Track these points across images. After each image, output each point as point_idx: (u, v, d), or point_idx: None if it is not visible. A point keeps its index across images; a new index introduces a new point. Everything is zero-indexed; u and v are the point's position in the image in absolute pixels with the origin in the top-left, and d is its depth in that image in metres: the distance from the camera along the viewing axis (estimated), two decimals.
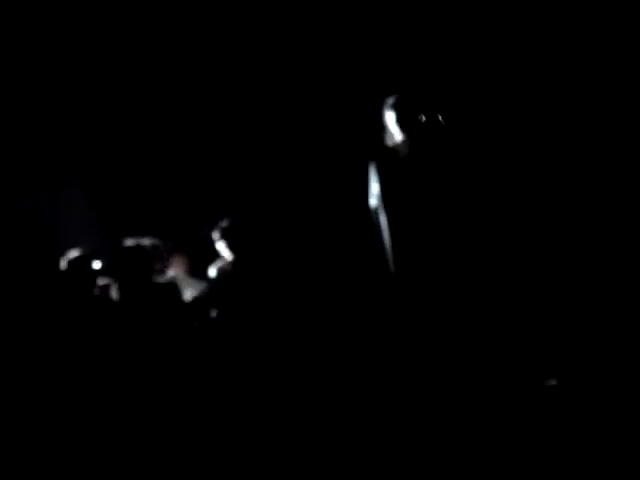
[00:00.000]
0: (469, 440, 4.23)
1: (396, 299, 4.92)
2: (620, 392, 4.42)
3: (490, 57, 5.93)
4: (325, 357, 5.14)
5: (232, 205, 6.11)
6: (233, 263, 5.33)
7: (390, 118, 4.92)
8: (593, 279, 5.20)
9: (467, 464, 4.04)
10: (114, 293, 5.31)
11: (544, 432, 4.19)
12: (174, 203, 6.87)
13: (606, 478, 3.79)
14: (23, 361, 5.15)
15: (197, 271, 5.80)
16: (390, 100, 4.94)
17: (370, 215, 4.96)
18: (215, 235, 5.41)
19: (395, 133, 4.91)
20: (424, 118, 4.91)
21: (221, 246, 5.39)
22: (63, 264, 5.34)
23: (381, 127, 4.98)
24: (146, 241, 5.42)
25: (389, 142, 4.97)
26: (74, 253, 5.36)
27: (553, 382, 4.64)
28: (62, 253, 5.38)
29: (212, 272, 5.49)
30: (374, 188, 4.90)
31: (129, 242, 5.39)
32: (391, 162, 4.93)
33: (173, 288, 5.38)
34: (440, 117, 4.94)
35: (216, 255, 5.45)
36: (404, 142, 4.89)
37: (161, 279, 5.45)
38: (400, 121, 4.90)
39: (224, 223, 5.42)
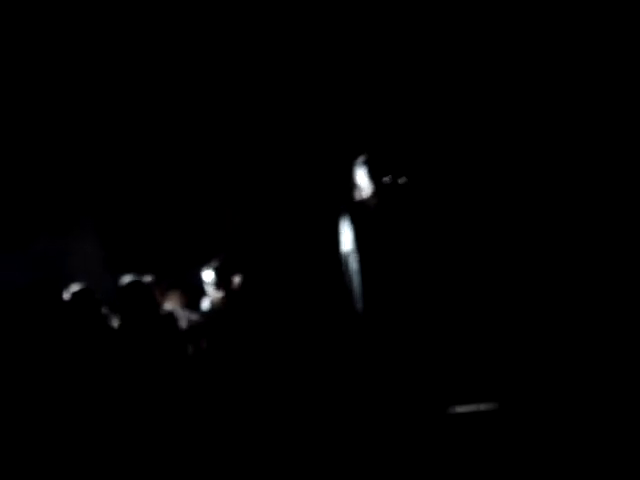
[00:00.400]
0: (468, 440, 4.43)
1: (365, 340, 5.18)
2: (620, 392, 4.54)
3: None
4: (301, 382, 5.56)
5: (220, 250, 6.49)
6: (222, 298, 5.94)
7: (361, 175, 5.35)
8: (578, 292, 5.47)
9: (467, 464, 4.24)
10: (114, 322, 5.67)
11: (544, 433, 4.34)
12: (172, 247, 7.32)
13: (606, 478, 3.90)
14: (29, 380, 5.33)
15: (191, 304, 6.33)
16: (361, 159, 5.37)
17: (342, 261, 5.31)
18: (205, 274, 5.99)
19: (365, 188, 5.33)
20: (389, 178, 5.28)
21: (211, 283, 5.95)
22: (66, 296, 5.64)
23: (352, 183, 5.38)
24: (147, 278, 5.86)
25: (359, 196, 5.36)
26: (76, 286, 5.69)
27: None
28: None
29: (204, 305, 6.08)
30: (346, 236, 5.28)
31: (132, 278, 5.78)
32: (361, 213, 5.31)
33: (172, 318, 5.82)
34: (402, 177, 5.30)
35: (206, 291, 6.01)
36: (372, 196, 5.31)
37: (161, 310, 5.90)
38: (369, 177, 5.32)
39: (214, 264, 6.00)
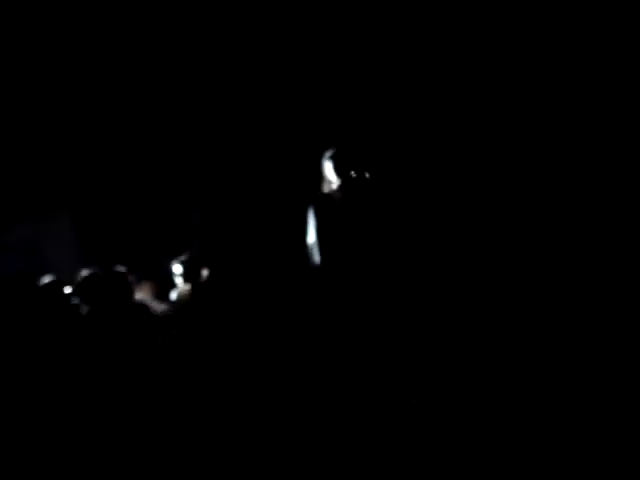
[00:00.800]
0: (466, 440, 4.37)
1: (327, 332, 5.30)
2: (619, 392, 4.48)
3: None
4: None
5: (190, 243, 6.78)
6: (189, 290, 6.12)
7: (328, 168, 5.45)
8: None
9: (467, 464, 4.17)
10: (83, 311, 5.77)
11: (544, 433, 4.27)
12: (146, 238, 7.48)
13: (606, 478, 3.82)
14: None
15: (161, 295, 6.54)
16: (328, 153, 5.47)
17: (307, 251, 5.38)
18: (175, 267, 6.18)
19: (331, 181, 5.43)
20: (354, 172, 5.40)
21: (180, 275, 6.16)
22: (39, 286, 5.72)
23: (319, 176, 5.48)
24: (121, 269, 5.96)
25: (326, 189, 5.47)
26: (48, 278, 5.79)
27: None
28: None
29: (173, 296, 6.26)
30: (312, 227, 5.34)
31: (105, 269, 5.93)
32: (326, 206, 5.39)
33: (144, 307, 5.93)
34: (367, 172, 5.41)
35: (175, 283, 6.21)
36: (338, 189, 5.41)
37: (134, 299, 5.97)
38: (336, 170, 5.43)
39: (183, 258, 6.19)
